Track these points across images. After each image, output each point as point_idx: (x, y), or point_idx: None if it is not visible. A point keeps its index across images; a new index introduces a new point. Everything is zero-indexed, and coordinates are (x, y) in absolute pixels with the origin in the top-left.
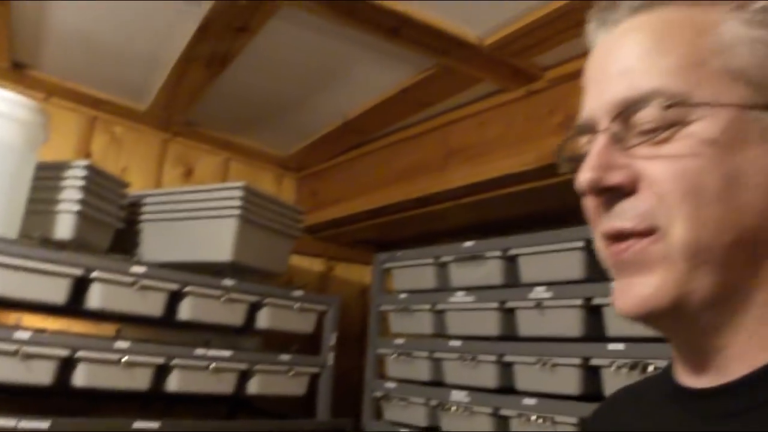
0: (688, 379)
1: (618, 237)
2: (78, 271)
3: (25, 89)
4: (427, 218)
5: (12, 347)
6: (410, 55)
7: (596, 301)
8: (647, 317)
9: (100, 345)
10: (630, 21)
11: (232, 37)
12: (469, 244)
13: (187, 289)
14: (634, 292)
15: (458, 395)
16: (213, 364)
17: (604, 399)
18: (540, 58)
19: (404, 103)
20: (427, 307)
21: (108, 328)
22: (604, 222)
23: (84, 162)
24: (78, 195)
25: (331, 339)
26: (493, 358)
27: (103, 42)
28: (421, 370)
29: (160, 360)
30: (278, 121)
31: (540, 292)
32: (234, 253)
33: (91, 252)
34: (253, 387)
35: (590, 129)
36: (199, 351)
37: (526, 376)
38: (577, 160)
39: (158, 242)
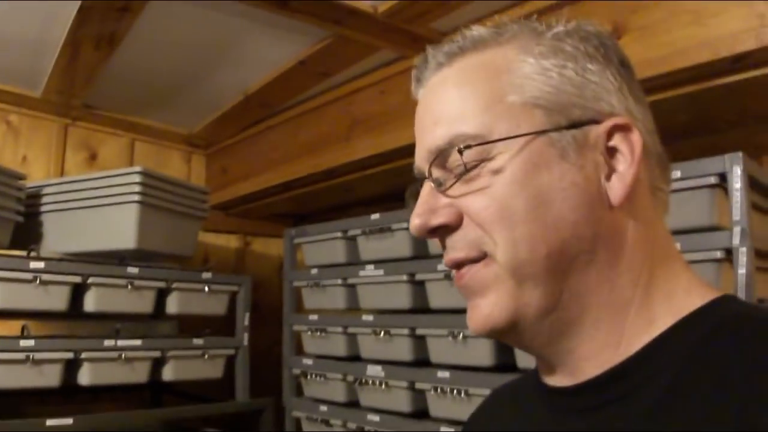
0: (549, 378)
1: (458, 266)
2: None
3: None
4: (336, 190)
5: None
6: (304, 26)
7: None
8: (492, 333)
9: (5, 345)
10: (437, 75)
11: (116, 17)
12: (375, 216)
13: (91, 280)
14: (476, 312)
15: (374, 369)
16: (124, 354)
17: (491, 393)
18: (438, 24)
19: (304, 75)
20: (339, 281)
21: (14, 326)
22: (444, 256)
23: None
24: None
25: (244, 319)
26: (405, 331)
27: None
28: (338, 346)
29: (69, 355)
30: (179, 99)
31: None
32: (137, 239)
33: None
34: (168, 373)
35: (421, 177)
36: (109, 342)
37: (440, 349)
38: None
39: (60, 233)
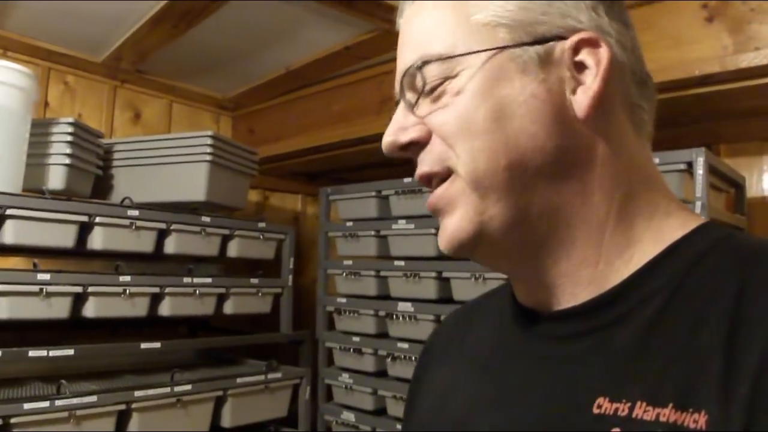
0: (528, 301)
1: (428, 182)
2: (84, 218)
3: None
4: (361, 155)
5: (37, 288)
6: (358, 21)
7: None
8: (460, 250)
9: (106, 280)
10: (414, 5)
11: (205, 2)
12: (408, 180)
13: (173, 227)
14: (445, 230)
15: (404, 306)
16: (198, 290)
17: (450, 314)
18: None
19: (346, 57)
20: (372, 233)
21: (109, 266)
22: (416, 173)
23: (70, 119)
24: (67, 149)
25: (290, 263)
26: (433, 274)
27: (74, 4)
28: (369, 287)
29: (155, 290)
30: (224, 69)
31: None
32: (207, 193)
33: (78, 199)
34: (229, 307)
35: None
36: (187, 279)
37: (462, 289)
38: None
39: (133, 186)
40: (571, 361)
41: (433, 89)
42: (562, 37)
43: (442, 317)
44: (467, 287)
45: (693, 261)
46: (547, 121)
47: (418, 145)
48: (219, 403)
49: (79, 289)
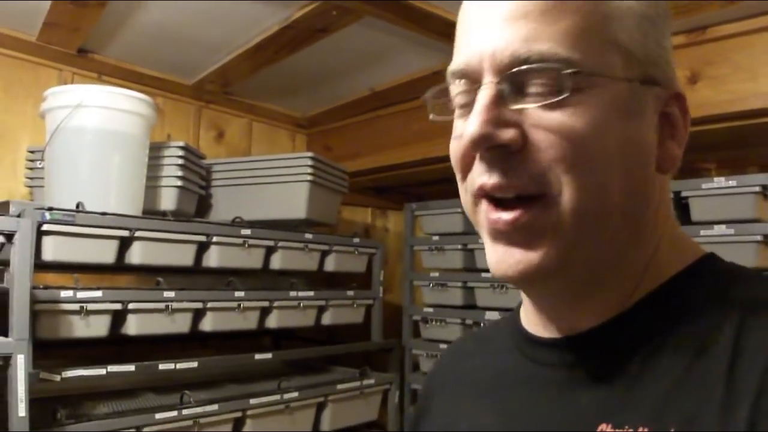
0: (536, 329)
1: (499, 201)
2: (202, 238)
3: (79, 70)
4: (437, 172)
5: (163, 305)
6: (447, 47)
7: None
8: (529, 283)
9: (222, 296)
10: None
11: (310, 36)
12: None
13: (280, 244)
14: (518, 260)
15: (492, 315)
16: (302, 303)
17: (449, 346)
18: None
19: (433, 81)
20: (459, 246)
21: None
22: (486, 177)
23: (180, 143)
24: (179, 172)
25: (380, 275)
26: None
27: (175, 31)
28: (455, 297)
29: (265, 303)
30: (306, 89)
31: None
32: (307, 210)
33: (197, 220)
34: (327, 318)
35: (469, 77)
36: (292, 293)
37: None
38: (451, 107)
39: (233, 205)
40: (574, 387)
41: (547, 94)
42: (663, 85)
43: None
44: None
45: (697, 291)
46: (648, 168)
47: (505, 149)
48: (320, 408)
49: (199, 305)
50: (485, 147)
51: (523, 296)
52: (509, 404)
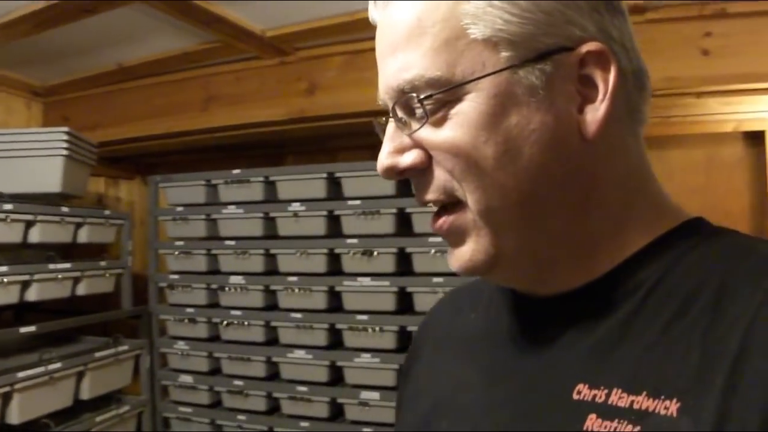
0: (522, 287)
1: (438, 209)
2: None
3: None
4: (180, 144)
5: None
6: (204, 34)
7: (336, 212)
8: (475, 274)
9: None
10: None
11: (77, 14)
12: (237, 171)
13: (39, 218)
14: (457, 258)
15: (235, 279)
16: (59, 275)
17: (437, 302)
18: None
19: (180, 60)
20: (203, 216)
21: None
22: (416, 196)
23: None
24: None
25: (128, 245)
26: (261, 251)
27: None
28: (199, 264)
29: (26, 277)
30: (57, 62)
31: (296, 206)
32: (62, 184)
33: None
34: (82, 289)
35: (385, 110)
36: (51, 266)
37: (287, 262)
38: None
39: None
40: (555, 347)
41: (431, 113)
42: (567, 48)
43: (271, 287)
44: (293, 261)
45: (678, 254)
46: (555, 147)
47: (416, 170)
48: (79, 377)
49: None
50: (395, 174)
51: None
52: (493, 361)
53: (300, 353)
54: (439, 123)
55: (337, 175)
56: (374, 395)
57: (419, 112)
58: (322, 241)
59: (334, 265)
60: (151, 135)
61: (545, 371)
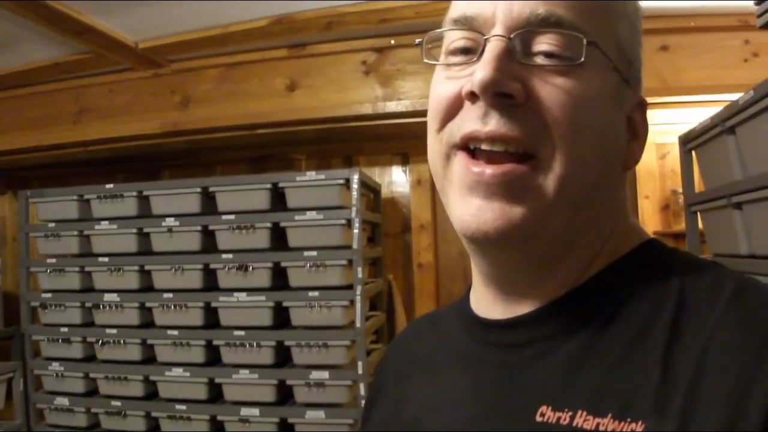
0: (485, 311)
1: (487, 142)
2: None
3: None
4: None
5: None
6: (75, 44)
7: (211, 227)
8: (504, 241)
9: None
10: None
11: None
12: (110, 186)
13: None
14: (497, 215)
15: (110, 297)
16: None
17: (403, 330)
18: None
19: (51, 71)
20: (75, 232)
21: None
22: (480, 124)
23: None
24: None
25: None
26: (135, 268)
27: None
28: (73, 282)
29: None
30: None
31: (170, 222)
32: None
33: None
34: None
35: (475, 27)
36: None
37: (162, 278)
38: (452, 52)
39: None
40: (518, 368)
41: (556, 57)
42: (633, 89)
43: (147, 304)
44: (168, 277)
45: (637, 275)
46: (619, 158)
47: (510, 100)
48: None
49: None
50: (492, 93)
51: (475, 277)
52: (457, 385)
53: (178, 371)
54: (566, 71)
55: (212, 189)
56: (254, 411)
57: (550, 50)
58: (197, 257)
59: (210, 281)
60: (22, 148)
61: (508, 394)
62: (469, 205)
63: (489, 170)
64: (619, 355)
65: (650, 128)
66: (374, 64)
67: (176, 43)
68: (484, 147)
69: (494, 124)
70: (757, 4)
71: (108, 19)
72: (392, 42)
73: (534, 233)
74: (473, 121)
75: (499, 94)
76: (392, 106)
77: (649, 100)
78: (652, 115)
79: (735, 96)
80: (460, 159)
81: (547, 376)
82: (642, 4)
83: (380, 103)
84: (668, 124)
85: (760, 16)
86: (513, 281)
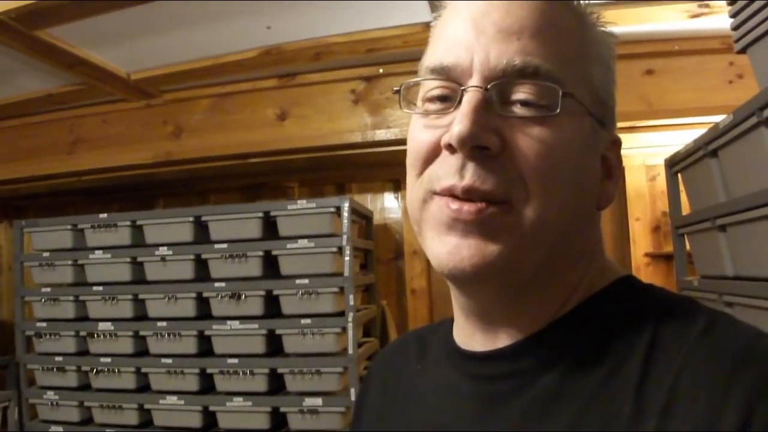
0: (466, 342)
1: (464, 195)
2: None
3: None
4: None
5: None
6: (68, 76)
7: (204, 256)
8: (480, 278)
9: None
10: None
11: None
12: (104, 215)
13: None
14: (473, 253)
15: (105, 325)
16: None
17: (389, 344)
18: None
19: (46, 102)
20: (69, 262)
21: None
22: (457, 178)
23: None
24: None
25: None
26: (129, 296)
27: None
28: (67, 311)
29: None
30: None
31: (163, 251)
32: None
33: None
34: None
35: (452, 77)
36: None
37: (156, 307)
38: (429, 99)
39: None
40: (494, 402)
41: (530, 106)
42: (607, 129)
43: (141, 332)
44: (161, 306)
45: (613, 311)
46: (593, 199)
47: (486, 152)
48: None
49: None
50: (470, 146)
51: (455, 309)
52: (438, 414)
53: (172, 399)
54: (536, 122)
55: (204, 218)
56: None
57: (527, 98)
58: (191, 285)
59: (203, 309)
60: (17, 178)
61: (488, 426)
62: (446, 244)
63: (466, 207)
64: (593, 390)
65: (640, 151)
66: (363, 92)
67: (168, 74)
68: (462, 197)
69: (470, 177)
70: (734, 29)
71: (101, 52)
72: (380, 71)
73: (509, 270)
74: (451, 175)
75: (476, 147)
76: (382, 134)
77: (636, 123)
78: (640, 138)
79: (721, 118)
80: (438, 201)
81: (525, 410)
82: (626, 28)
83: (370, 132)
84: (657, 146)
85: (737, 41)
86: (491, 315)
